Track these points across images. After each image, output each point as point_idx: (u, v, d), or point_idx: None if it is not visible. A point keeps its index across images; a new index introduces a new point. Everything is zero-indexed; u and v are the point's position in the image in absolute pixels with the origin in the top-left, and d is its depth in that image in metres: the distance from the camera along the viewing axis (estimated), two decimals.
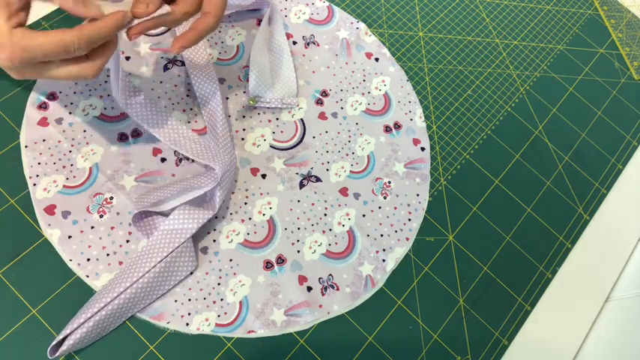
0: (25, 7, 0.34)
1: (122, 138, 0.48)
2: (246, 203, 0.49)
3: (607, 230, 0.58)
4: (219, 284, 0.45)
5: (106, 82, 0.50)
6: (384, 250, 0.50)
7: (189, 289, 0.44)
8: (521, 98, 0.63)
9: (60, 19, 0.52)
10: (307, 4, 0.61)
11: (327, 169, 0.52)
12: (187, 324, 0.43)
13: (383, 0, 0.65)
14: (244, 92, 0.53)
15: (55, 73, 0.35)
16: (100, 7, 0.35)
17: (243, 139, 0.51)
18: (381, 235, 0.51)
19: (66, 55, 0.34)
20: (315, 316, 0.46)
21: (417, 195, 0.53)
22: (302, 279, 0.47)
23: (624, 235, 0.59)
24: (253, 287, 0.46)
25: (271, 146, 0.52)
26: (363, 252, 0.49)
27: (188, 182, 0.45)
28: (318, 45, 0.59)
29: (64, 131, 0.47)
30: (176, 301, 0.43)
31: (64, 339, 0.39)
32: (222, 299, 0.44)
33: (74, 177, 0.45)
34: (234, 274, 0.46)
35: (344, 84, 0.57)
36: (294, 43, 0.58)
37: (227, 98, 0.53)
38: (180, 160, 0.49)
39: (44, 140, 0.46)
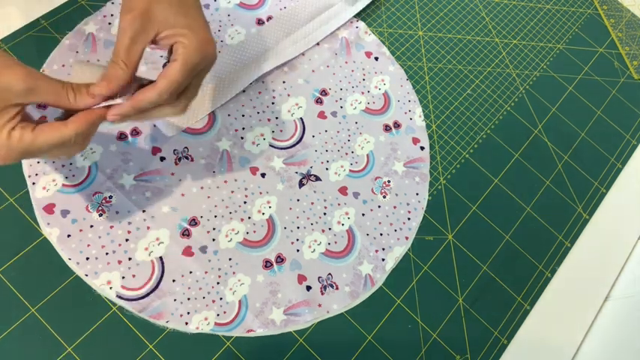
0: (24, 107, 0.33)
1: (121, 137, 0.48)
2: (245, 202, 0.49)
3: (606, 229, 0.58)
4: (218, 283, 0.45)
5: None
6: (383, 249, 0.50)
7: (189, 288, 0.44)
8: (520, 97, 0.63)
9: (60, 17, 0.52)
10: None
11: (327, 169, 0.52)
12: (187, 323, 0.43)
13: None
14: (243, 91, 0.53)
15: (45, 157, 0.36)
16: (93, 90, 0.34)
17: (242, 137, 0.51)
18: (381, 235, 0.51)
19: (59, 149, 0.34)
20: (314, 315, 0.46)
21: (417, 194, 0.53)
22: (301, 278, 0.47)
23: (624, 235, 0.59)
24: (252, 286, 0.46)
25: (271, 145, 0.52)
26: (362, 251, 0.49)
27: None
28: (317, 44, 0.58)
29: None
30: (175, 300, 0.43)
31: None
32: (221, 298, 0.44)
33: (73, 176, 0.45)
34: (234, 273, 0.46)
35: (343, 83, 0.57)
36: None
37: None
38: (180, 159, 0.49)
39: None
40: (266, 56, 0.55)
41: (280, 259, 0.47)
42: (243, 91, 0.53)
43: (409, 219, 0.52)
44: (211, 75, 0.52)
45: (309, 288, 0.47)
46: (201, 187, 0.48)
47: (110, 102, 0.34)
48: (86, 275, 0.43)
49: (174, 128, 0.49)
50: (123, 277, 0.43)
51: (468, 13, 0.68)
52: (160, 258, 0.45)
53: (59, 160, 0.35)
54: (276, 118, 0.53)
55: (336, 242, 0.49)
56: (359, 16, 0.62)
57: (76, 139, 0.33)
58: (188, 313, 0.43)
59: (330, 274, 0.48)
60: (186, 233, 0.46)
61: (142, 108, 0.35)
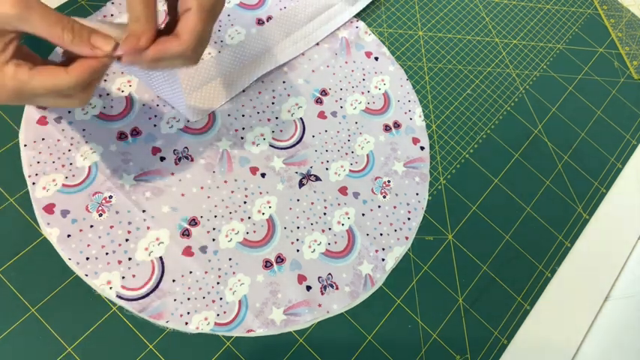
0: (17, 37, 0.31)
1: (121, 137, 0.48)
2: (245, 202, 0.49)
3: (606, 229, 0.58)
4: (218, 283, 0.45)
5: (105, 80, 0.50)
6: (383, 249, 0.50)
7: (189, 288, 0.44)
8: (520, 97, 0.63)
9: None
10: None
11: (327, 168, 0.52)
12: (186, 323, 0.43)
13: None
14: (243, 91, 0.53)
15: (42, 103, 0.33)
16: (106, 38, 0.32)
17: (242, 137, 0.51)
18: (381, 235, 0.51)
19: (57, 96, 0.32)
20: (314, 315, 0.46)
21: (417, 194, 0.53)
22: (301, 278, 0.47)
23: (624, 235, 0.59)
24: (252, 286, 0.46)
25: (270, 145, 0.52)
26: (362, 251, 0.49)
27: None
28: (317, 44, 0.58)
29: (63, 130, 0.47)
30: (175, 300, 0.43)
31: None
32: (221, 298, 0.44)
33: (73, 176, 0.45)
34: (234, 273, 0.46)
35: (343, 83, 0.57)
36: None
37: None
38: (180, 158, 0.49)
39: (43, 139, 0.46)
40: (266, 56, 0.55)
41: (280, 259, 0.47)
42: (243, 91, 0.53)
43: (409, 219, 0.52)
44: (211, 75, 0.52)
45: (309, 288, 0.47)
46: (201, 187, 0.48)
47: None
48: (86, 275, 0.43)
49: (196, 113, 0.48)
50: (123, 277, 0.43)
51: (468, 13, 0.68)
52: (160, 258, 0.45)
53: (62, 107, 0.33)
54: (276, 118, 0.53)
55: (336, 242, 0.49)
56: (359, 16, 0.62)
57: (76, 87, 0.31)
58: (188, 313, 0.43)
59: (330, 274, 0.48)
60: (186, 233, 0.46)
61: (163, 59, 0.33)
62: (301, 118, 0.54)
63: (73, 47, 0.31)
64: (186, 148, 0.49)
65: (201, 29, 0.33)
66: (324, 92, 0.56)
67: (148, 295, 0.43)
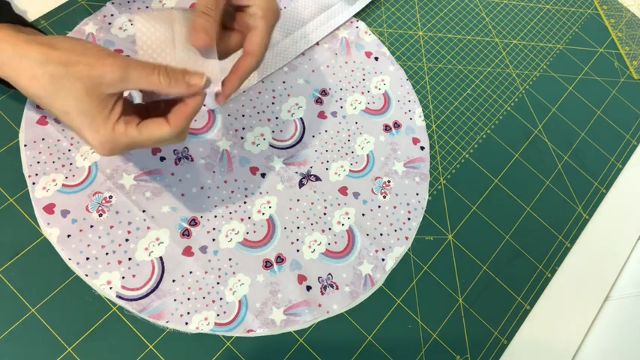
0: (120, 98, 0.34)
1: None
2: (245, 202, 0.49)
3: (606, 229, 0.58)
4: (218, 283, 0.45)
5: None
6: (383, 249, 0.50)
7: (189, 288, 0.44)
8: (520, 97, 0.63)
9: (60, 17, 0.52)
10: None
11: (327, 169, 0.52)
12: (186, 323, 0.43)
13: None
14: (243, 91, 0.53)
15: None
16: (200, 76, 0.34)
17: (242, 138, 0.51)
18: (381, 235, 0.51)
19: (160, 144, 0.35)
20: (314, 315, 0.46)
21: (417, 194, 0.53)
22: (301, 278, 0.47)
23: (624, 235, 0.59)
24: (252, 286, 0.46)
25: (271, 145, 0.52)
26: (362, 251, 0.49)
27: None
28: (317, 44, 0.59)
29: (63, 130, 0.47)
30: (175, 300, 0.43)
31: None
32: (221, 298, 0.44)
33: (73, 176, 0.45)
34: (234, 273, 0.46)
35: (343, 83, 0.57)
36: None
37: None
38: (180, 159, 0.49)
39: (43, 139, 0.46)
40: (267, 56, 0.55)
41: (280, 259, 0.47)
42: (243, 91, 0.53)
43: (409, 219, 0.52)
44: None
45: (309, 288, 0.47)
46: (201, 187, 0.48)
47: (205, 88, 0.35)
48: (86, 275, 0.43)
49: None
50: (123, 277, 0.43)
51: (468, 13, 0.68)
52: (160, 258, 0.45)
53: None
54: (276, 118, 0.53)
55: (336, 242, 0.49)
56: (359, 16, 0.62)
57: (179, 136, 0.34)
58: (188, 313, 0.43)
59: (330, 274, 0.48)
60: (186, 233, 0.46)
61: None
62: (301, 118, 0.54)
63: (171, 90, 0.34)
64: (186, 148, 0.49)
65: (266, 42, 0.39)
66: (324, 92, 0.56)
67: (148, 295, 0.43)
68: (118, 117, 0.33)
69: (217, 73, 0.37)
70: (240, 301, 0.45)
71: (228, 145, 0.50)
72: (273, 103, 0.54)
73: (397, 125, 0.57)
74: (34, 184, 0.44)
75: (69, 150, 0.46)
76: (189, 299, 0.44)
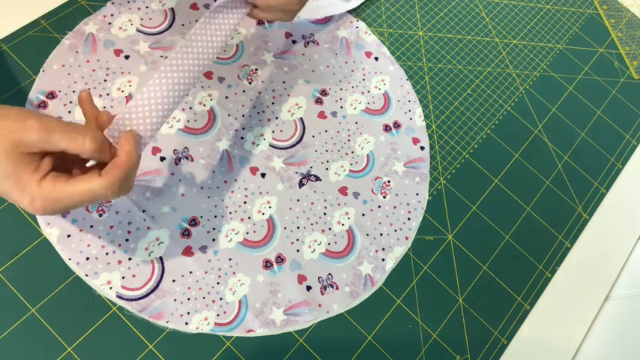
0: (48, 154, 0.33)
1: None
2: (245, 202, 0.49)
3: (606, 229, 0.58)
4: (218, 283, 0.45)
5: (105, 80, 0.50)
6: (383, 249, 0.50)
7: (189, 288, 0.44)
8: (520, 97, 0.63)
9: (60, 17, 0.52)
10: None
11: (327, 169, 0.52)
12: (186, 323, 0.43)
13: None
14: (243, 91, 0.53)
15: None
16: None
17: (242, 138, 0.51)
18: (381, 235, 0.51)
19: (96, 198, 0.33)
20: (314, 315, 0.46)
21: (417, 194, 0.53)
22: (301, 278, 0.47)
23: (624, 235, 0.59)
24: (252, 286, 0.46)
25: (271, 145, 0.52)
26: (362, 251, 0.49)
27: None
28: (317, 44, 0.59)
29: None
30: (175, 300, 0.43)
31: None
32: (221, 298, 0.44)
33: None
34: (234, 273, 0.46)
35: (343, 83, 0.57)
36: (294, 42, 0.58)
37: (226, 97, 0.53)
38: (180, 159, 0.49)
39: None
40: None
41: (280, 259, 0.47)
42: (244, 91, 0.53)
43: (409, 219, 0.52)
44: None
45: (309, 288, 0.47)
46: (201, 187, 0.48)
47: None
48: (86, 275, 0.43)
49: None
50: (123, 277, 0.43)
51: (468, 13, 0.68)
52: (160, 258, 0.45)
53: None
54: (276, 118, 0.53)
55: (336, 242, 0.49)
56: (359, 16, 0.62)
57: (113, 189, 0.33)
58: (188, 313, 0.43)
59: (330, 274, 0.48)
60: (186, 233, 0.46)
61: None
62: (301, 118, 0.54)
63: (98, 156, 0.33)
64: (186, 148, 0.49)
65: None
66: (324, 92, 0.56)
67: (147, 295, 0.43)
68: (45, 173, 0.32)
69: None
70: (240, 301, 0.45)
71: (228, 145, 0.50)
72: (273, 103, 0.54)
73: (397, 125, 0.57)
74: None
75: None
76: (189, 299, 0.44)
